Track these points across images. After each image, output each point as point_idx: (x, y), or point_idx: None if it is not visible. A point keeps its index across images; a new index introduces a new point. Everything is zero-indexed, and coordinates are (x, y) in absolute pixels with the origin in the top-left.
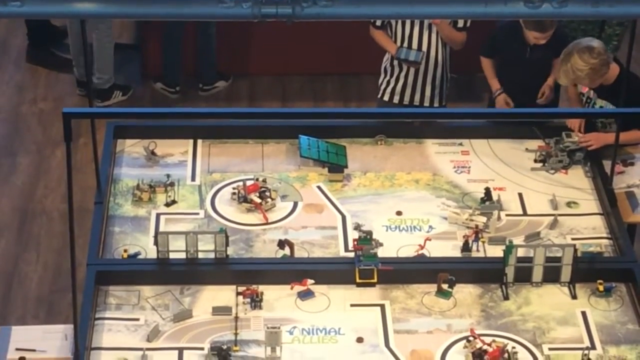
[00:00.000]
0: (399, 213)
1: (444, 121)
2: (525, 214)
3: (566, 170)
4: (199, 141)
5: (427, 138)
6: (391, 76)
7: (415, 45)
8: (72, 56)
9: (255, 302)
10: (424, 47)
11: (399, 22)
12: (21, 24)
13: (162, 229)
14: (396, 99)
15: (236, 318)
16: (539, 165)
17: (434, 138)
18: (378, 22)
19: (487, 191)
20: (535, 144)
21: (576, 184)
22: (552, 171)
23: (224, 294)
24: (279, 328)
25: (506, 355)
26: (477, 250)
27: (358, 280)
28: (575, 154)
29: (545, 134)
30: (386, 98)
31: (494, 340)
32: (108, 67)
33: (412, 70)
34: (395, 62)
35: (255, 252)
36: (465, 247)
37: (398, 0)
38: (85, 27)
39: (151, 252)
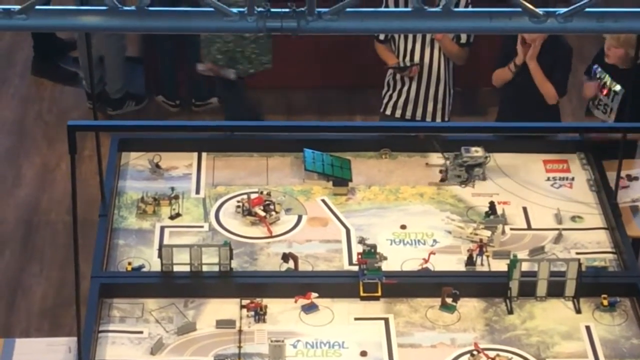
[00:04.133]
0: (403, 227)
1: (448, 135)
2: (529, 228)
3: (468, 184)
4: (204, 154)
5: (432, 152)
6: (394, 90)
7: (417, 60)
8: (81, 69)
9: (259, 315)
10: (426, 62)
11: (402, 36)
12: (27, 36)
13: (166, 241)
14: (398, 113)
15: (240, 331)
16: (438, 180)
17: (439, 152)
18: (382, 37)
19: (492, 205)
20: (438, 159)
21: (581, 198)
22: (459, 185)
23: (228, 307)
24: (282, 341)
25: None
26: (482, 265)
27: (362, 294)
28: (474, 169)
29: (446, 148)
30: (388, 112)
31: (498, 355)
32: (119, 77)
33: (414, 84)
34: (398, 76)
35: (260, 265)
36: (470, 261)
37: (403, 15)
38: (90, 39)
39: (155, 265)
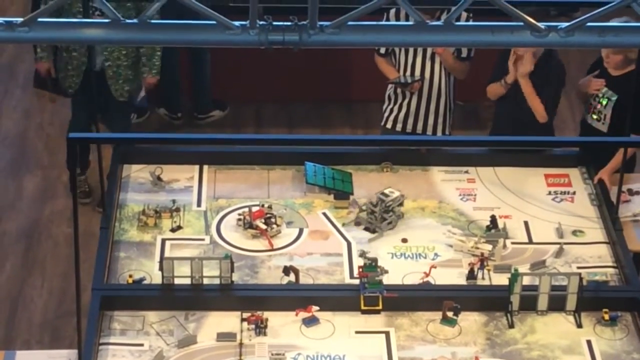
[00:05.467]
0: (404, 240)
1: (450, 148)
2: (530, 242)
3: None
4: (205, 167)
5: (433, 165)
6: (394, 104)
7: (417, 74)
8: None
9: (260, 328)
10: (427, 76)
11: (402, 50)
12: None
13: (167, 254)
14: (399, 127)
15: (241, 344)
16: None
17: (440, 165)
18: (382, 50)
19: (493, 219)
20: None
21: (582, 212)
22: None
23: (229, 320)
24: (283, 355)
25: None
26: (483, 278)
27: (363, 307)
28: (389, 213)
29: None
30: (389, 125)
31: None
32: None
33: (415, 98)
34: (399, 90)
35: (261, 278)
36: (471, 275)
37: (405, 29)
38: (94, 52)
39: (156, 278)
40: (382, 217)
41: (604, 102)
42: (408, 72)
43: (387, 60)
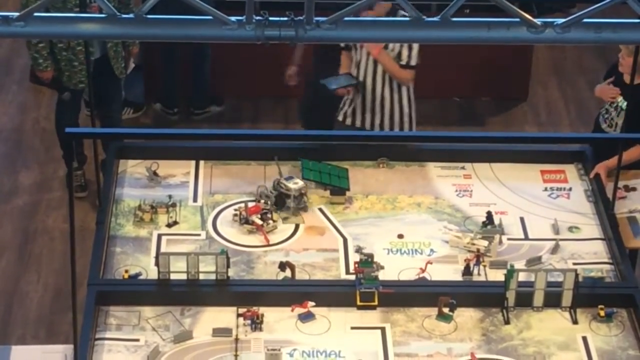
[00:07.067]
0: (400, 236)
1: (446, 144)
2: (526, 238)
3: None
4: (201, 162)
5: (429, 161)
6: (347, 98)
7: (362, 71)
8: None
9: (256, 324)
10: (370, 74)
11: (355, 47)
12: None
13: (163, 249)
14: (349, 121)
15: (236, 340)
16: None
17: (436, 161)
18: (343, 44)
19: (489, 215)
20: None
21: (578, 208)
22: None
23: (225, 316)
24: (279, 350)
25: None
26: (478, 274)
27: (359, 303)
28: (287, 200)
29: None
30: (340, 118)
31: None
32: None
33: (360, 95)
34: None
35: (256, 273)
36: (467, 271)
37: (401, 25)
38: (88, 47)
39: (152, 273)
40: (280, 202)
41: (617, 111)
42: (355, 69)
43: (348, 54)
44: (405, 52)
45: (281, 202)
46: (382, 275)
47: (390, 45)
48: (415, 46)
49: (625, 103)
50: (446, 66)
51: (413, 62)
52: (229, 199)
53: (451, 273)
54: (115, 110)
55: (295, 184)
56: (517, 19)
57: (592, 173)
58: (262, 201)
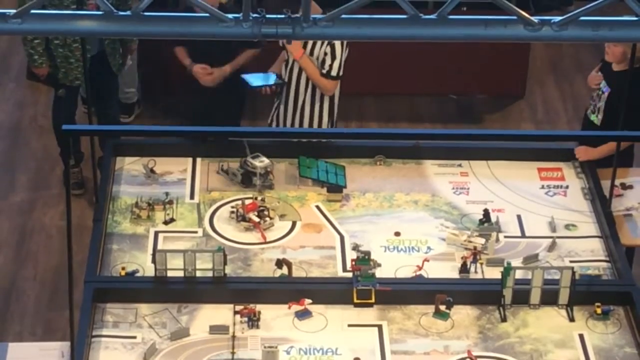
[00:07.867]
0: (397, 234)
1: (443, 142)
2: (523, 236)
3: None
4: (198, 159)
5: (426, 159)
6: (276, 101)
7: (288, 73)
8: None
9: (253, 321)
10: (294, 77)
11: (284, 45)
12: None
13: (160, 247)
14: (274, 124)
15: (233, 337)
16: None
17: (433, 159)
18: (281, 43)
19: (486, 213)
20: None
21: (575, 206)
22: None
23: (222, 313)
24: (276, 347)
25: None
26: (475, 272)
27: (356, 301)
28: (253, 177)
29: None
30: (269, 121)
31: None
32: (133, 82)
33: (283, 98)
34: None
35: (253, 271)
36: (464, 269)
37: (398, 22)
38: (85, 44)
39: (149, 270)
40: (247, 179)
41: (599, 96)
42: (285, 68)
43: (284, 54)
44: (327, 62)
45: (247, 179)
46: (379, 273)
47: (316, 52)
48: (338, 57)
49: (606, 86)
50: (443, 64)
51: (334, 73)
52: (225, 196)
53: (448, 271)
54: (112, 107)
55: (262, 162)
56: (515, 17)
57: (576, 154)
58: (229, 178)
